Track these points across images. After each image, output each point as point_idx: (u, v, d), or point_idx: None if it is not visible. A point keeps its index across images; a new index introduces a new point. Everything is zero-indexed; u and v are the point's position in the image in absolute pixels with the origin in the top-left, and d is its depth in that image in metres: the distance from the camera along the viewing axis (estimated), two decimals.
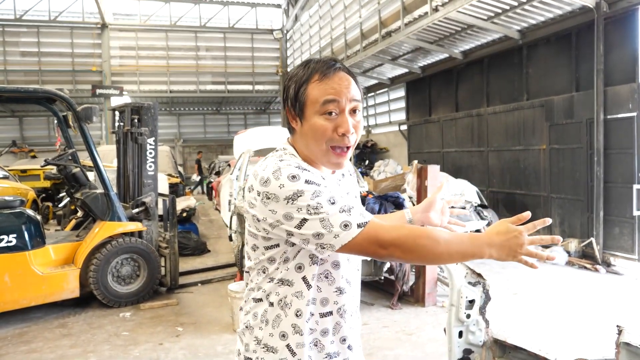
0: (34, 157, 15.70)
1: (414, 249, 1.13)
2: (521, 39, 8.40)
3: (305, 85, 1.22)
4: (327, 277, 1.26)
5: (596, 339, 3.99)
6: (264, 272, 1.27)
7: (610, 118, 6.69)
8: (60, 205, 8.81)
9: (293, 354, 1.25)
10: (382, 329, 4.31)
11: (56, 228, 8.58)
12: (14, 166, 12.72)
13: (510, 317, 4.63)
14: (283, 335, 1.25)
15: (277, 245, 1.23)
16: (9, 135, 18.59)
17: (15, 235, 4.43)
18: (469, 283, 2.80)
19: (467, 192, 7.54)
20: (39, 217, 4.77)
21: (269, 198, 1.16)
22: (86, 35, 17.61)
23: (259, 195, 1.18)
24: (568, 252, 6.99)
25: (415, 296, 5.04)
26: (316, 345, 1.26)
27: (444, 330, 2.85)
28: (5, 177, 8.83)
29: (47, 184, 11.72)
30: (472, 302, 2.78)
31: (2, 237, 4.36)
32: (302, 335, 1.25)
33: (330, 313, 1.27)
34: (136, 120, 5.23)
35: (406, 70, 12.55)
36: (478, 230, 7.43)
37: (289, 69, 19.76)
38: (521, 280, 5.93)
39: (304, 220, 1.14)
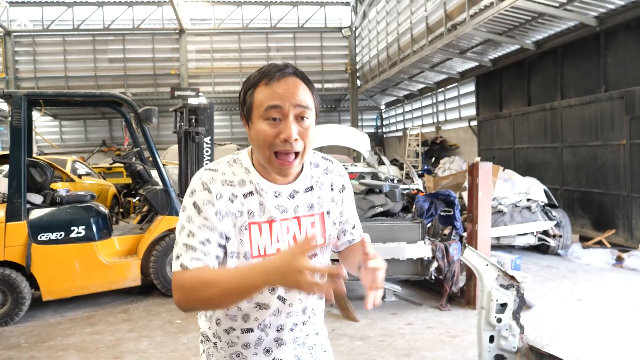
0: (119, 155, 16.98)
1: (195, 299, 1.11)
2: (599, 26, 7.77)
3: (253, 89, 1.20)
4: None
5: None
6: None
7: None
8: (134, 200, 9.47)
9: (217, 350, 1.34)
10: (426, 330, 4.21)
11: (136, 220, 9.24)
12: (102, 164, 13.84)
13: (568, 324, 4.32)
14: (213, 335, 1.35)
15: None
16: (100, 136, 20.26)
17: (84, 227, 4.84)
18: (501, 286, 2.67)
19: (534, 190, 7.10)
20: (106, 211, 5.17)
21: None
22: (165, 40, 18.71)
23: None
24: None
25: (466, 298, 4.86)
26: (238, 357, 1.32)
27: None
28: (88, 174, 9.65)
29: (129, 180, 12.62)
30: (504, 305, 2.64)
31: (73, 228, 4.78)
32: (221, 342, 1.33)
33: (252, 330, 1.29)
34: (194, 120, 5.49)
35: (476, 63, 12.08)
36: (545, 232, 6.98)
37: (357, 67, 19.72)
38: (591, 286, 5.51)
39: (176, 234, 1.22)
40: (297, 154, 1.19)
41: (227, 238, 1.21)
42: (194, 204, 1.19)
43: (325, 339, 1.48)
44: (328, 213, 1.34)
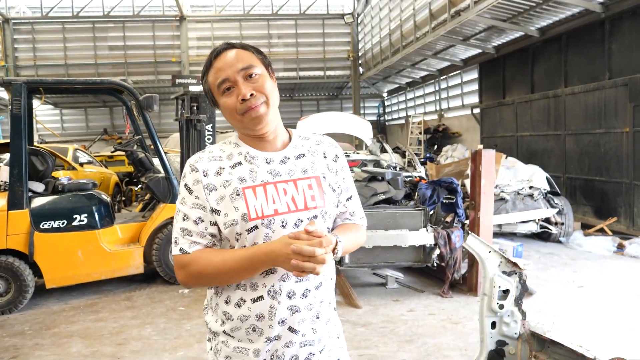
0: (120, 143, 16.96)
1: (202, 281, 1.28)
2: (604, 12, 7.69)
3: (205, 77, 1.33)
4: None
5: None
6: None
7: None
8: (136, 188, 9.47)
9: (231, 337, 1.30)
10: (428, 317, 4.23)
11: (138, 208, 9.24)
12: (103, 152, 13.81)
13: (569, 310, 4.34)
14: (223, 322, 1.31)
15: None
16: (101, 124, 20.21)
17: (86, 215, 4.85)
18: (503, 272, 2.67)
19: (536, 178, 7.08)
20: (108, 199, 5.18)
21: None
22: (166, 28, 18.55)
23: None
24: None
25: (468, 284, 4.87)
26: (254, 331, 1.27)
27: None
28: (89, 162, 9.63)
29: (131, 168, 12.60)
30: (506, 292, 2.64)
31: (75, 216, 4.79)
32: (232, 320, 1.29)
33: (262, 297, 1.26)
34: (195, 108, 5.47)
35: (479, 50, 11.98)
36: (547, 219, 6.97)
37: (360, 54, 19.57)
38: (591, 273, 5.52)
39: (174, 218, 1.33)
40: (261, 104, 1.29)
41: (216, 211, 1.26)
42: (185, 185, 1.30)
43: (338, 320, 1.45)
44: (324, 177, 1.37)
